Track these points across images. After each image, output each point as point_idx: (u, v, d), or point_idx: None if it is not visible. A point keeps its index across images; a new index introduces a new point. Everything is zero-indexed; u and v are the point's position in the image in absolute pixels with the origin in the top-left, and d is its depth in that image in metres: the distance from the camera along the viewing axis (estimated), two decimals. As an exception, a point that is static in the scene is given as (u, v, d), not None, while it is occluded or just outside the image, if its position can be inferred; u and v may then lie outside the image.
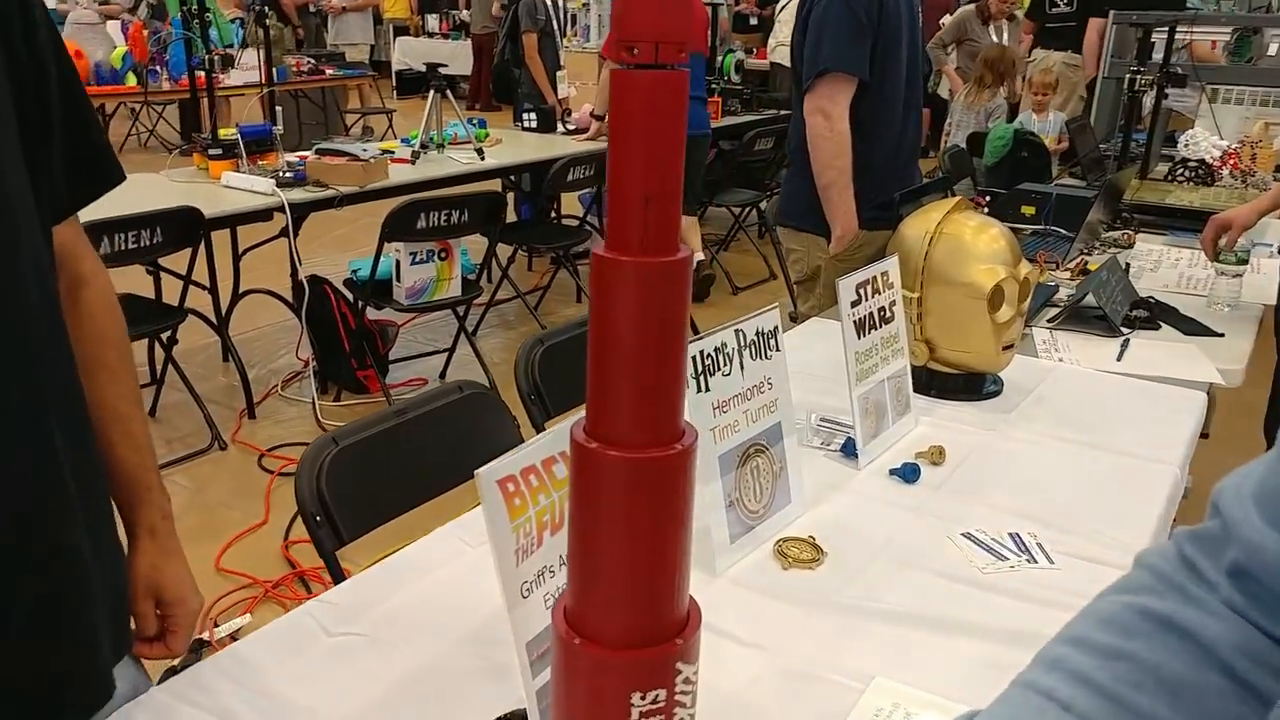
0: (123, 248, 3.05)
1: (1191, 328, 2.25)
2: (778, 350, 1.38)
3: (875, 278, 1.64)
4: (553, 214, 5.39)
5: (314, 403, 3.72)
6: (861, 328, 1.59)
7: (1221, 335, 2.21)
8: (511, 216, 5.29)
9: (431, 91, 4.27)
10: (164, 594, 1.07)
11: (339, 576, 1.44)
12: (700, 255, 4.90)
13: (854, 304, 1.58)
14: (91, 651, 0.95)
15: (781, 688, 1.06)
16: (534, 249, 5.31)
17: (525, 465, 0.93)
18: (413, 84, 12.08)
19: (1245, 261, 2.43)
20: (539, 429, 1.91)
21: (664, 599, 0.76)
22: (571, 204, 5.77)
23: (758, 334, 1.34)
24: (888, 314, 1.67)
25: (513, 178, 5.07)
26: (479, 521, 1.38)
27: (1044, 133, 5.25)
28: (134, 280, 3.45)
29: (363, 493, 1.51)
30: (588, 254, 5.53)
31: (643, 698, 0.76)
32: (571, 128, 5.34)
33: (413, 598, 1.21)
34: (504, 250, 4.66)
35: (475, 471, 0.87)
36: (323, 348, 3.87)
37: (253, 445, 3.48)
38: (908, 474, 1.54)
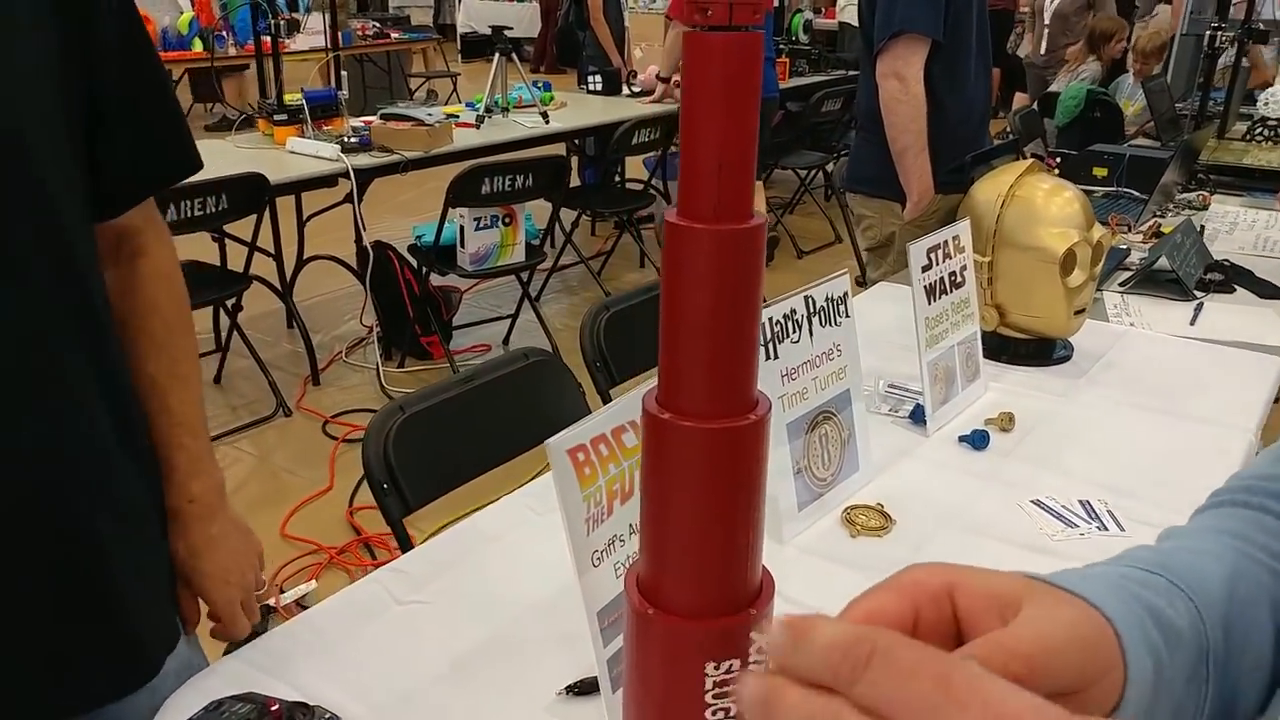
0: (188, 215, 3.09)
1: (1268, 290, 2.18)
2: (847, 316, 1.36)
3: (946, 242, 1.61)
4: (616, 178, 5.36)
5: (378, 369, 3.77)
6: (932, 292, 1.56)
7: (1303, 298, 2.14)
8: (575, 181, 5.28)
9: (496, 55, 4.26)
10: (190, 584, 1.05)
11: (406, 543, 1.46)
12: (765, 218, 4.85)
13: (925, 268, 1.55)
14: (115, 625, 0.95)
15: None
16: (598, 214, 5.30)
17: (595, 435, 0.92)
18: (477, 47, 12.06)
19: (1331, 222, 2.35)
20: (604, 396, 1.91)
21: (738, 569, 0.75)
22: (636, 168, 5.75)
23: (827, 300, 1.32)
24: (959, 279, 1.64)
25: (577, 141, 5.05)
26: (546, 489, 1.40)
27: (1132, 99, 5.08)
28: (200, 247, 3.51)
29: (429, 460, 1.53)
30: (652, 218, 5.54)
31: (716, 667, 0.76)
32: (637, 90, 5.31)
33: (480, 566, 1.22)
34: (567, 215, 4.67)
35: (545, 442, 0.87)
36: (386, 314, 3.91)
37: (317, 412, 3.54)
38: (977, 441, 1.52)
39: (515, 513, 1.34)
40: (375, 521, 2.80)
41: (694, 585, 0.75)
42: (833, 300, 1.34)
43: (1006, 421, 1.57)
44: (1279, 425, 1.76)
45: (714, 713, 0.77)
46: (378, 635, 1.09)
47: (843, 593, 1.19)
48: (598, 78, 5.44)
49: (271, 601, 2.46)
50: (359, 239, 3.96)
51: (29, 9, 0.83)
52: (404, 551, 1.43)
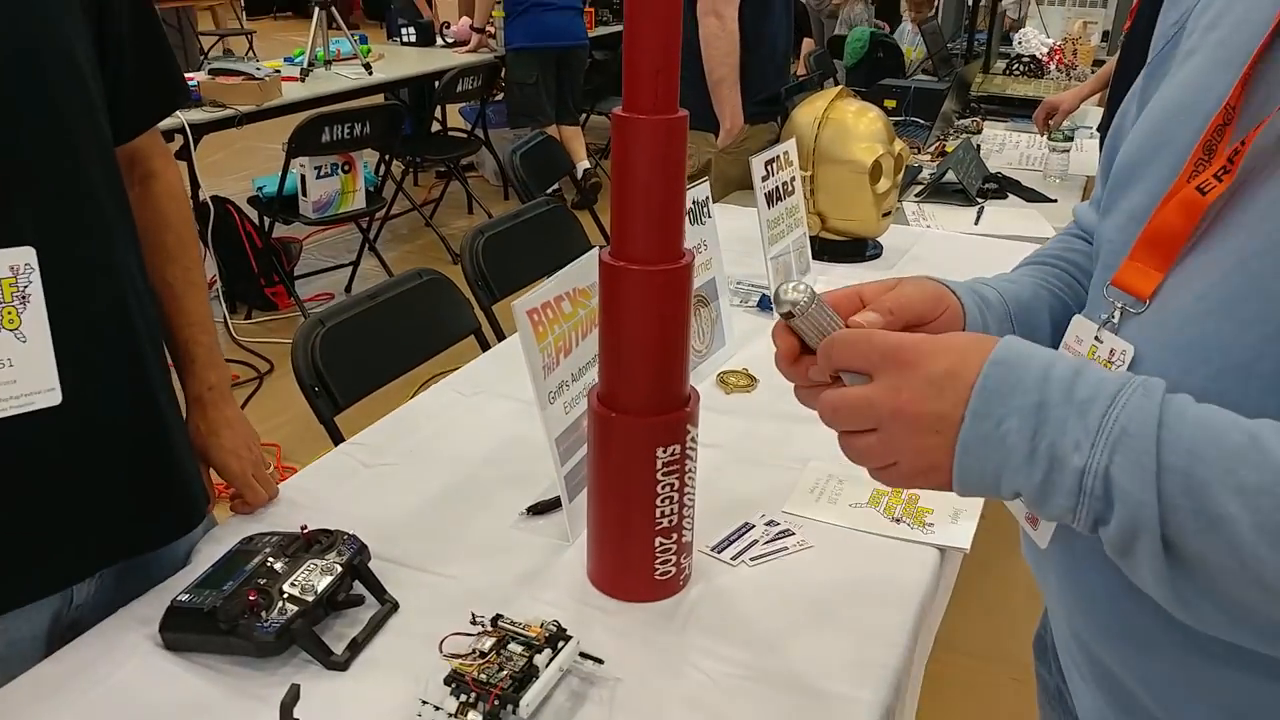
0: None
1: (1032, 196, 2.63)
2: (710, 217, 1.65)
3: (779, 157, 1.92)
4: (438, 127, 5.48)
5: (226, 321, 3.82)
6: (770, 199, 1.87)
7: (1055, 201, 2.60)
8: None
9: (316, 9, 4.31)
10: (208, 459, 1.24)
11: (340, 439, 1.66)
12: (586, 163, 5.11)
13: (764, 178, 1.85)
14: (176, 479, 1.16)
15: (739, 470, 1.36)
16: (424, 162, 5.42)
17: (544, 300, 1.17)
18: (262, 4, 11.69)
19: (1071, 139, 2.83)
20: (487, 311, 2.14)
21: (676, 377, 1.04)
22: (453, 118, 5.87)
23: (694, 202, 1.60)
24: (789, 188, 1.95)
25: (402, 93, 5.14)
26: (468, 376, 1.64)
27: (913, 46, 5.59)
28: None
29: (352, 364, 1.73)
30: (472, 166, 5.69)
31: (664, 450, 1.04)
32: (450, 41, 5.43)
33: (429, 435, 1.45)
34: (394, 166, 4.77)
35: (512, 303, 1.12)
36: (229, 267, 3.95)
37: (174, 363, 3.57)
38: (814, 321, 1.84)
39: (445, 397, 1.58)
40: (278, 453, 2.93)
41: (644, 391, 1.03)
42: (698, 203, 1.62)
43: None
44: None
45: (662, 486, 1.06)
46: (356, 490, 1.31)
47: (725, 432, 1.49)
48: (411, 30, 5.52)
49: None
50: (196, 194, 3.97)
51: None
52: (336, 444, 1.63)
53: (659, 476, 1.05)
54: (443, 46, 5.43)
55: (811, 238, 2.09)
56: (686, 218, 1.62)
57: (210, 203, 3.81)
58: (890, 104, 3.41)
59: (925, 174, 2.75)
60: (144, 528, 1.13)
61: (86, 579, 1.09)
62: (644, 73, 0.94)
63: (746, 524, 1.24)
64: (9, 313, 0.97)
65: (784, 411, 1.52)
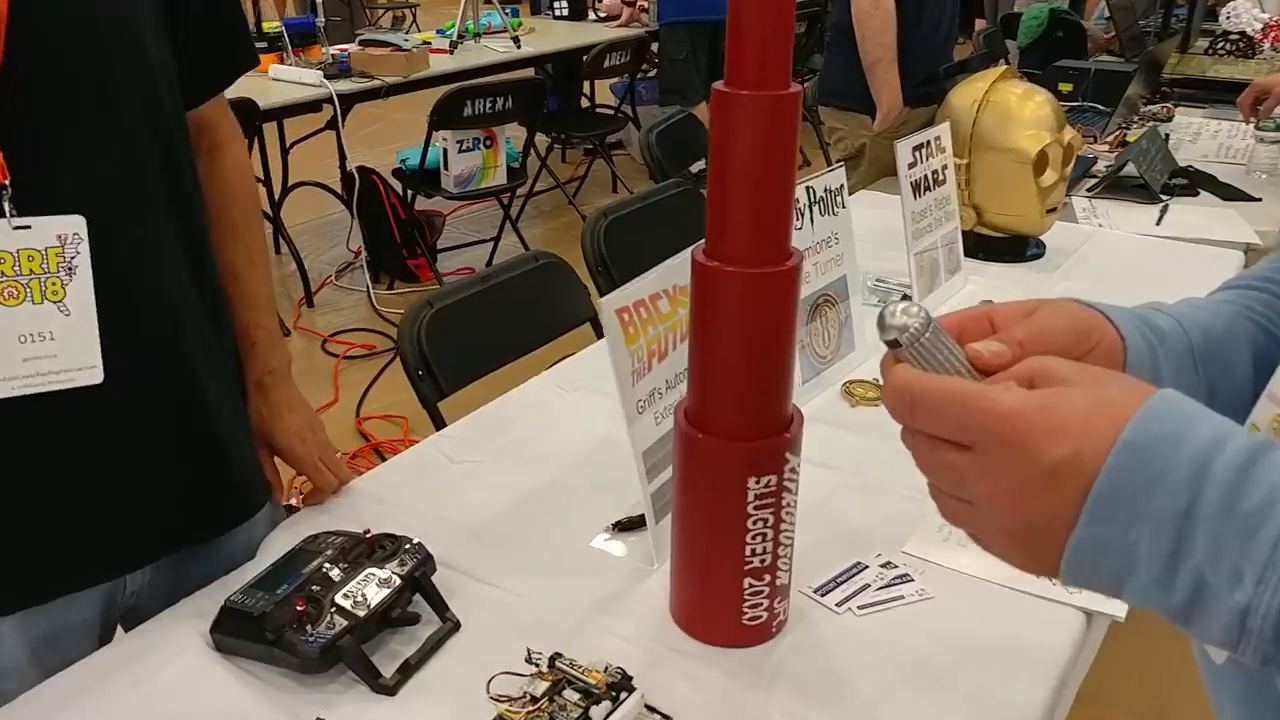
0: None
1: (1229, 193, 2.33)
2: (843, 208, 1.48)
3: (929, 142, 1.73)
4: (585, 103, 5.41)
5: (369, 291, 3.85)
6: (917, 189, 1.69)
7: (1259, 200, 2.29)
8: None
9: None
10: (272, 444, 1.18)
11: (442, 425, 1.59)
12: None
13: (910, 166, 1.67)
14: (224, 468, 1.09)
15: (857, 498, 1.20)
16: (570, 138, 5.36)
17: (637, 299, 1.05)
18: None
19: (1283, 129, 2.50)
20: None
21: (776, 397, 0.89)
22: (603, 94, 5.80)
23: (826, 191, 1.44)
24: (940, 177, 1.76)
25: (548, 67, 5.09)
26: (569, 370, 1.53)
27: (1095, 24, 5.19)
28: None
29: (458, 349, 1.65)
30: (620, 144, 5.60)
31: (757, 481, 0.90)
32: (603, 15, 5.34)
33: (522, 432, 1.35)
34: (540, 142, 4.73)
35: (599, 301, 1.00)
36: (373, 238, 3.98)
37: (315, 331, 3.63)
38: (959, 326, 1.65)
39: (545, 390, 1.47)
40: (383, 429, 2.92)
41: (738, 411, 0.89)
42: (830, 192, 1.46)
43: None
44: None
45: (754, 521, 0.91)
46: (439, 487, 1.22)
47: (846, 451, 1.33)
48: (563, 3, 5.46)
49: (294, 502, 2.59)
50: (343, 164, 4.02)
51: None
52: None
53: (750, 510, 0.91)
54: (594, 21, 5.35)
55: (965, 233, 1.89)
56: (817, 207, 1.46)
57: (356, 173, 3.84)
58: (1065, 87, 3.13)
59: (1101, 166, 2.49)
60: (196, 517, 1.07)
61: (137, 569, 1.04)
62: (750, 42, 0.80)
63: (859, 564, 1.09)
64: (53, 284, 0.91)
65: None
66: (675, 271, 1.09)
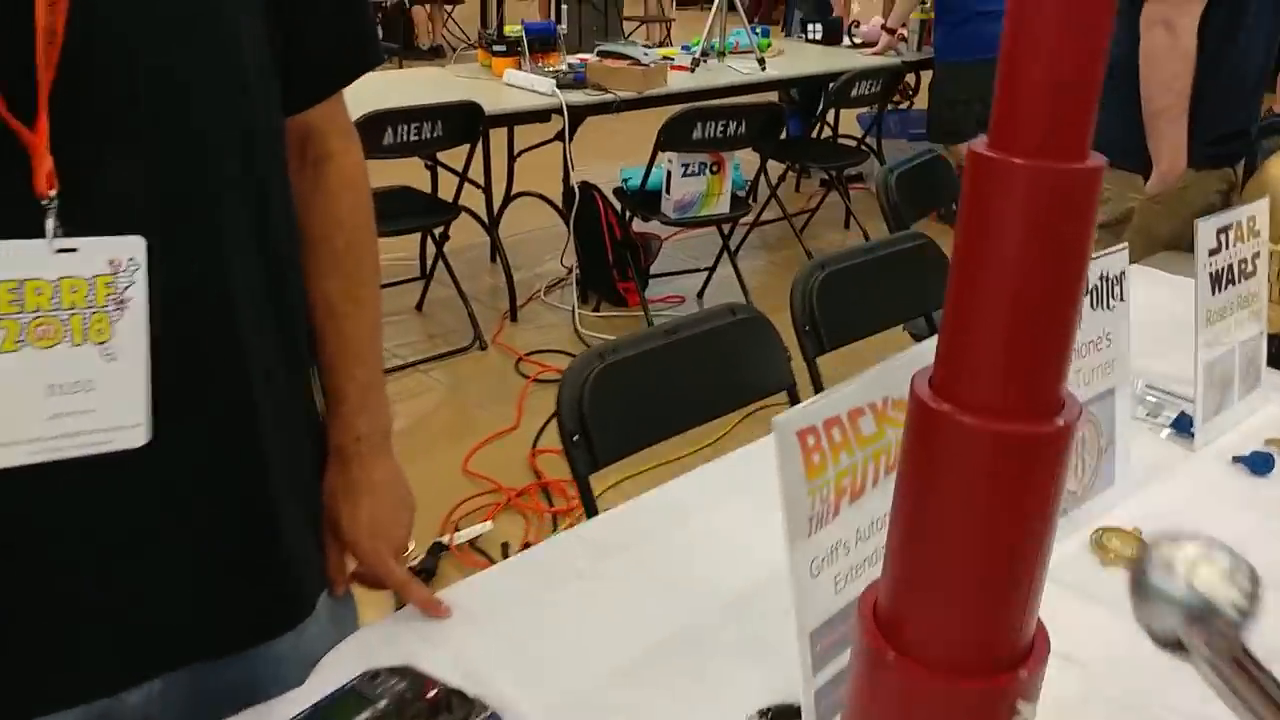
0: (404, 139, 3.09)
1: None
2: (1122, 300, 1.15)
3: (1240, 224, 1.36)
4: (829, 132, 5.12)
5: (574, 311, 3.72)
6: (1217, 281, 1.33)
7: None
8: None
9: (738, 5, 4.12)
10: (337, 530, 0.96)
11: (590, 502, 1.36)
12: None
13: (1212, 252, 1.31)
14: (272, 557, 0.89)
15: (1110, 713, 0.88)
16: (806, 168, 5.09)
17: (828, 416, 0.78)
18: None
19: None
20: (810, 363, 1.76)
21: (1013, 618, 0.59)
22: (849, 124, 5.48)
23: (1101, 279, 1.12)
24: (1249, 267, 1.39)
25: (793, 92, 4.84)
26: (746, 462, 1.27)
27: None
28: (411, 173, 3.53)
29: (624, 414, 1.42)
30: (861, 178, 5.27)
31: (969, 728, 0.61)
32: (858, 41, 5.04)
33: (671, 543, 1.10)
34: (773, 169, 4.49)
35: (773, 419, 0.73)
36: (586, 256, 3.85)
37: (512, 348, 3.52)
38: (1257, 465, 1.28)
39: (713, 486, 1.21)
40: (556, 466, 2.75)
41: (954, 629, 0.59)
42: (1107, 279, 1.14)
43: None
44: None
45: (959, 782, 0.62)
46: (553, 611, 0.99)
47: (1095, 638, 0.99)
48: (817, 26, 5.19)
49: (445, 539, 2.43)
50: (566, 178, 3.91)
51: None
52: (587, 509, 1.33)
53: (955, 768, 0.62)
54: (848, 46, 5.05)
55: (1271, 337, 1.50)
56: (1087, 301, 1.14)
57: (577, 188, 3.71)
58: None
59: None
60: (227, 621, 0.86)
61: (140, 685, 0.83)
62: (1034, 84, 0.51)
63: None
64: (99, 321, 0.74)
65: None
66: (890, 380, 0.81)
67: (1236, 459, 1.30)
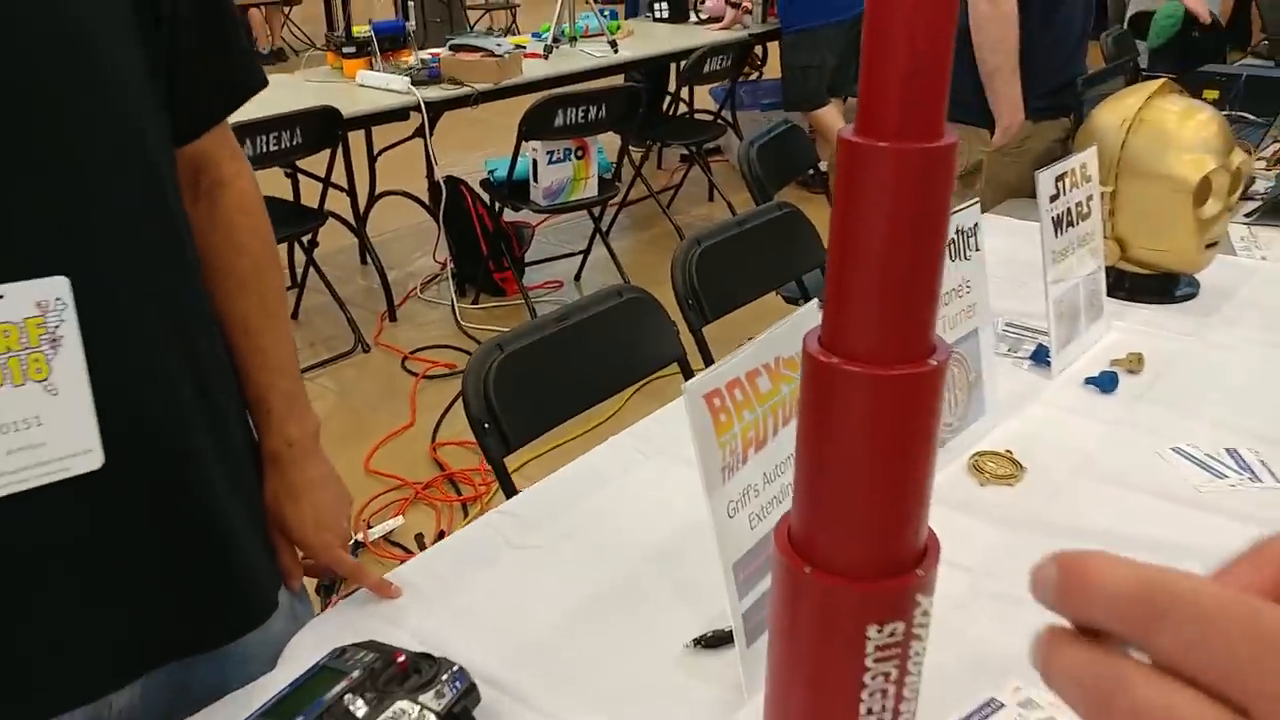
0: (263, 150, 3.05)
1: None
2: (977, 250, 1.27)
3: (1074, 170, 1.50)
4: (675, 108, 5.22)
5: (453, 305, 3.73)
6: (1059, 225, 1.47)
7: None
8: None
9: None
10: (284, 529, 1.02)
11: (508, 483, 1.42)
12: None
13: (1053, 199, 1.45)
14: (229, 564, 0.93)
15: (990, 608, 0.99)
16: (664, 145, 5.18)
17: (730, 379, 0.86)
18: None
19: None
20: (696, 334, 1.85)
21: (907, 528, 0.69)
22: (702, 99, 5.60)
23: (957, 232, 1.23)
24: (1085, 209, 1.53)
25: (640, 72, 4.92)
26: (651, 429, 1.35)
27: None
28: (272, 183, 3.48)
29: (529, 398, 1.48)
30: (719, 150, 5.40)
31: (880, 630, 0.70)
32: (704, 17, 5.15)
33: (592, 509, 1.17)
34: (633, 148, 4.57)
35: (683, 385, 0.81)
36: (459, 250, 3.86)
37: (395, 348, 3.52)
38: (1105, 383, 1.43)
39: (623, 454, 1.29)
40: (458, 457, 2.78)
41: (858, 544, 0.68)
42: (963, 233, 1.25)
43: (1135, 363, 1.48)
44: None
45: (873, 677, 0.71)
46: (493, 581, 1.05)
47: (975, 545, 1.11)
48: (664, 5, 5.27)
49: (360, 537, 2.45)
50: (430, 174, 3.91)
51: None
52: (505, 490, 1.39)
53: (869, 664, 0.72)
54: (695, 23, 5.16)
55: (1108, 269, 1.65)
56: (947, 254, 1.25)
57: (443, 183, 3.72)
58: (1211, 95, 2.84)
59: (1260, 186, 2.21)
60: (193, 623, 0.91)
61: (123, 687, 0.88)
62: (891, 73, 0.60)
63: (992, 701, 0.89)
64: (35, 360, 0.76)
65: (1060, 520, 1.14)
66: (778, 342, 0.90)
67: (1088, 380, 1.44)
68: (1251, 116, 2.67)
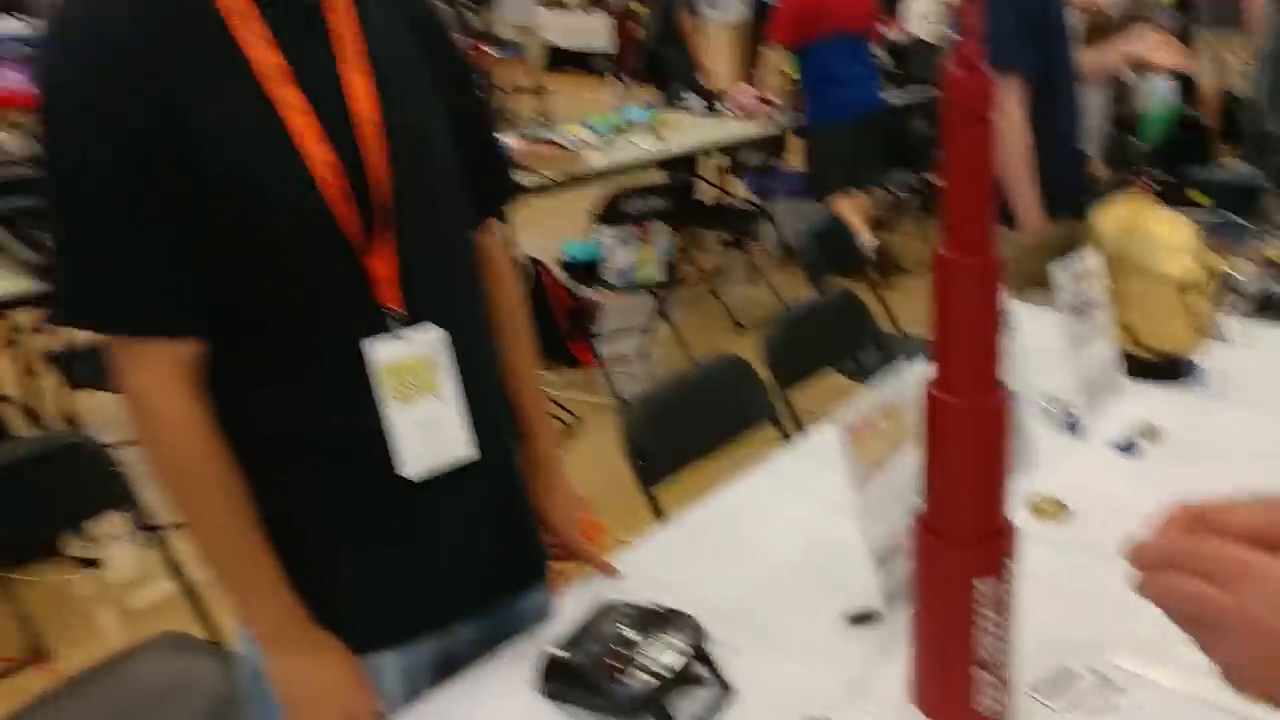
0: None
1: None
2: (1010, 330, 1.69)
3: (1083, 267, 1.91)
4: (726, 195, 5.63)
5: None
6: (1076, 312, 1.88)
7: None
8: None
9: (614, 77, 4.62)
10: (548, 521, 1.38)
11: (656, 504, 1.83)
12: (867, 237, 5.03)
13: (1068, 290, 1.86)
14: (532, 534, 1.35)
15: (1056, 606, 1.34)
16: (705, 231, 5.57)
17: (863, 416, 1.27)
18: (557, 59, 12.03)
19: None
20: (784, 398, 2.27)
21: (997, 507, 1.11)
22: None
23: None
24: (1095, 299, 1.94)
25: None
26: (775, 471, 1.75)
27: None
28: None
29: (668, 441, 1.91)
30: (755, 235, 5.71)
31: (981, 581, 1.10)
32: (729, 110, 5.39)
33: (742, 526, 1.58)
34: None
35: (836, 417, 1.22)
36: (536, 324, 4.26)
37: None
38: (1128, 448, 1.76)
39: (754, 490, 1.70)
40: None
41: (968, 520, 1.10)
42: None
43: (1151, 433, 1.81)
44: None
45: (980, 618, 1.11)
46: (685, 567, 1.46)
47: (1036, 560, 1.45)
48: (697, 98, 5.62)
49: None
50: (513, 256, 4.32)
51: (412, 45, 1.19)
52: (656, 515, 1.79)
53: (976, 610, 1.11)
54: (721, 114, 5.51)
55: (1125, 354, 2.04)
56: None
57: (529, 263, 4.18)
58: (1200, 198, 3.21)
59: (1251, 286, 2.57)
60: (512, 574, 1.31)
61: (477, 615, 1.28)
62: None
63: (1068, 670, 1.25)
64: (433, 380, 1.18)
65: (1104, 548, 1.50)
66: (888, 391, 1.32)
67: (1114, 445, 1.79)
68: (1232, 216, 3.05)
